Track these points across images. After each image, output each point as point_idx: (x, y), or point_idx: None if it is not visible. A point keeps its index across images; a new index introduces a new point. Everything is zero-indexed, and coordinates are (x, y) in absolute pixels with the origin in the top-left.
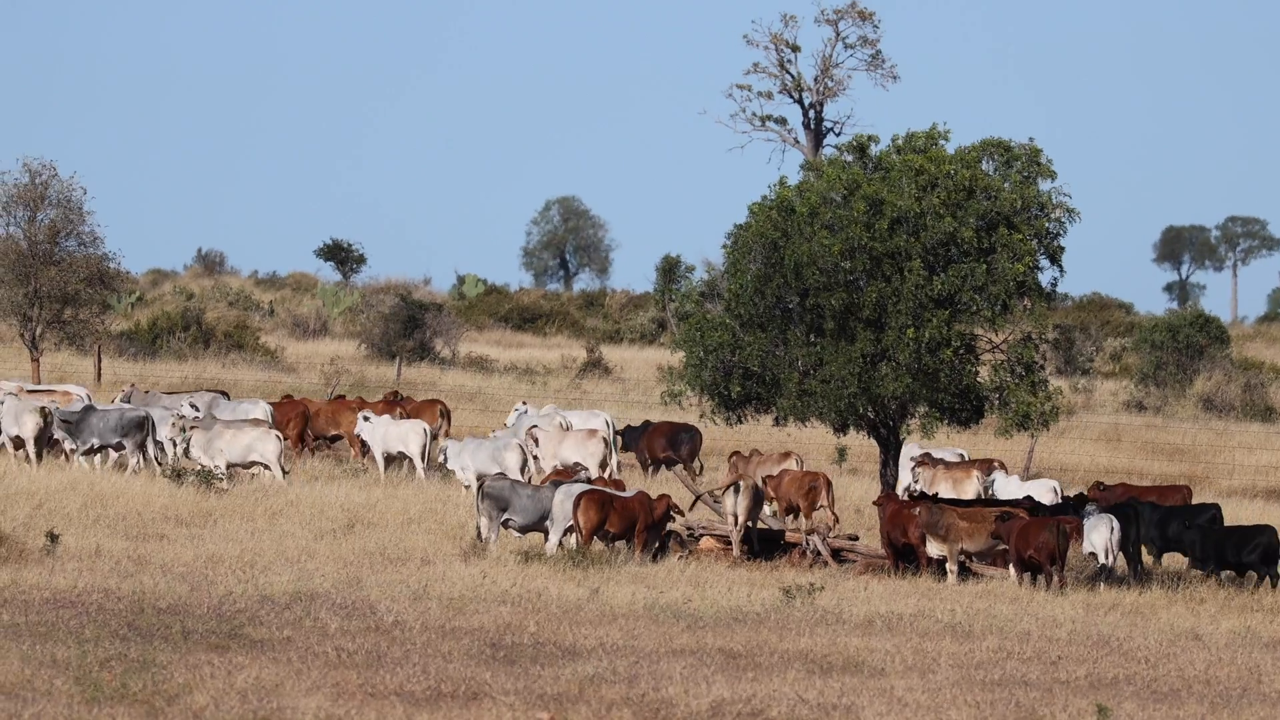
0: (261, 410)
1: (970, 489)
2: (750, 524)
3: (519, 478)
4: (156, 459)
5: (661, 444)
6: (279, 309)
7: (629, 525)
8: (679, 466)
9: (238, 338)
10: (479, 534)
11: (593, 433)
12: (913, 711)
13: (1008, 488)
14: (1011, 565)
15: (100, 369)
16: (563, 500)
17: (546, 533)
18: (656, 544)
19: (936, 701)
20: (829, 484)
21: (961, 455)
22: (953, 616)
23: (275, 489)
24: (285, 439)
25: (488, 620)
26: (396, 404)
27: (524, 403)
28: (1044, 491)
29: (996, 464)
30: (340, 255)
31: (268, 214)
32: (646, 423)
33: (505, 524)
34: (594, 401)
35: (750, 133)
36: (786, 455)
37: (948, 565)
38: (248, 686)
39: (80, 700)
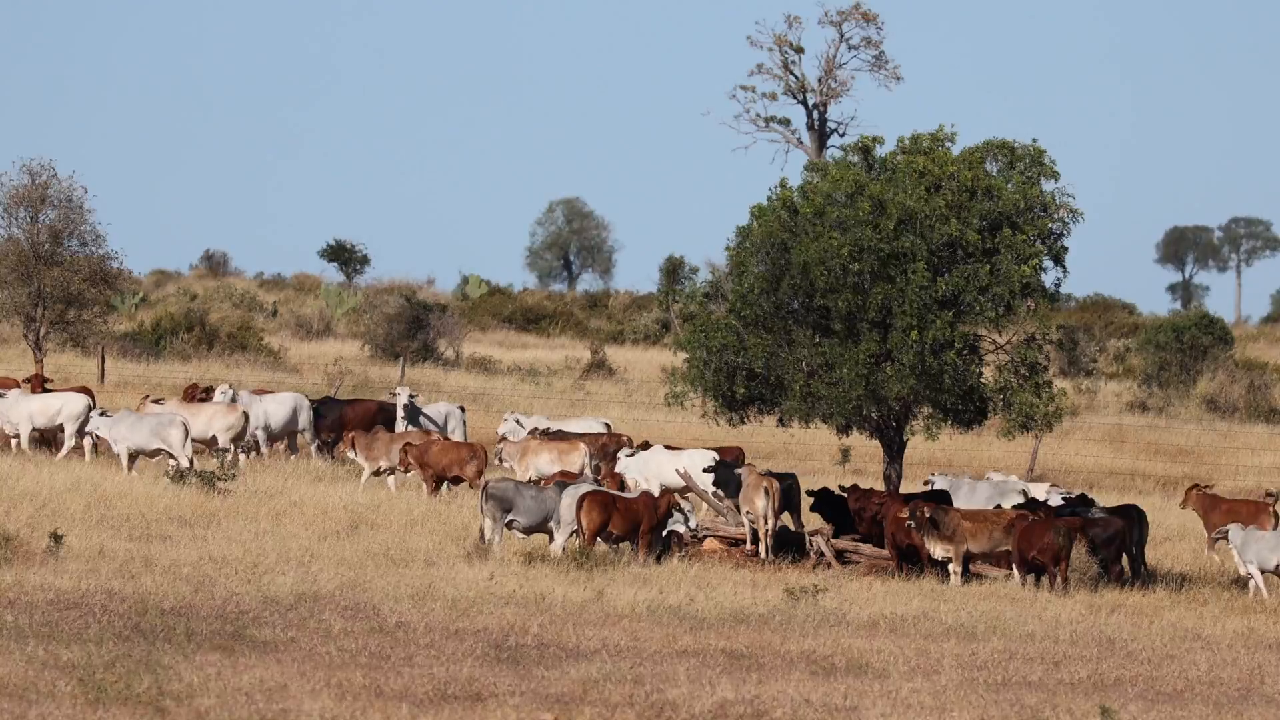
0: None
1: (575, 462)
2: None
3: (181, 453)
4: None
5: (330, 423)
6: (283, 310)
7: (632, 526)
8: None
9: (241, 338)
10: (482, 535)
11: (231, 406)
12: (916, 713)
13: (654, 459)
14: (1015, 566)
15: (104, 370)
16: (569, 502)
17: (551, 534)
18: (660, 545)
19: (940, 703)
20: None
21: (607, 425)
22: (956, 618)
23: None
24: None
25: (492, 621)
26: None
27: (229, 385)
28: (703, 461)
29: (625, 439)
30: (344, 256)
31: (272, 215)
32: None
33: (509, 525)
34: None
35: (754, 134)
36: (428, 435)
37: (951, 567)
38: (252, 688)
39: (84, 702)
